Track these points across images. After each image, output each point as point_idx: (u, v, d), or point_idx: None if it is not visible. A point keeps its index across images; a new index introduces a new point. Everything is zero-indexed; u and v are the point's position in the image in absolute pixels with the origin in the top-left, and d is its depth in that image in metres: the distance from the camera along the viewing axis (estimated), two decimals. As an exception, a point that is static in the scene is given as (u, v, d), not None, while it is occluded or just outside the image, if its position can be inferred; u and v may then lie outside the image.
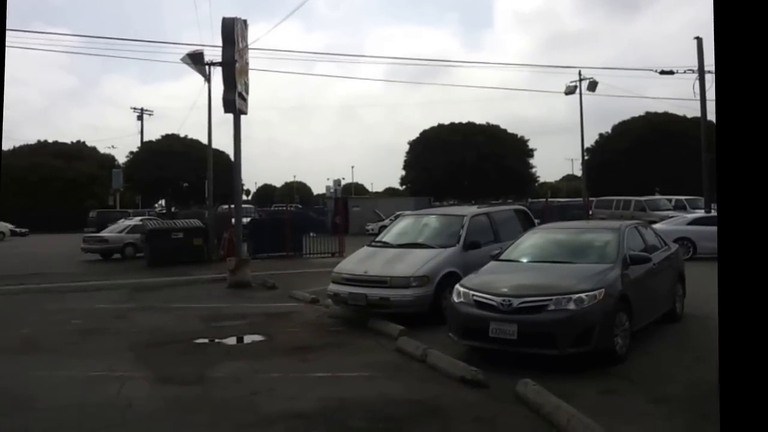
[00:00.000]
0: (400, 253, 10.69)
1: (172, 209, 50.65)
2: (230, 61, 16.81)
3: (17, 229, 45.90)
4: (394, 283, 9.83)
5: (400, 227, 12.19)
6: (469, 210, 12.23)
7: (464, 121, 57.09)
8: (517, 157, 53.84)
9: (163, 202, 59.97)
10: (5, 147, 68.83)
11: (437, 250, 10.57)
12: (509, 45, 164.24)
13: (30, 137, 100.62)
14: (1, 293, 15.17)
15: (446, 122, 57.39)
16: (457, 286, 8.00)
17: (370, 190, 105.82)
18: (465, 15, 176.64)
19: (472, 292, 7.57)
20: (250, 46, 18.20)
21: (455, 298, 7.78)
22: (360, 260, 10.95)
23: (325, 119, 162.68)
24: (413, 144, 57.51)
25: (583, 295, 6.98)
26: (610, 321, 7.08)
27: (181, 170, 51.39)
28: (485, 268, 8.52)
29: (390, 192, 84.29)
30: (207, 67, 23.32)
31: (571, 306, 6.92)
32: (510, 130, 56.18)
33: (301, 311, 11.91)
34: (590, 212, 30.60)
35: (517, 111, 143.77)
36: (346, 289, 10.31)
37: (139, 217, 31.80)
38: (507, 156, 52.41)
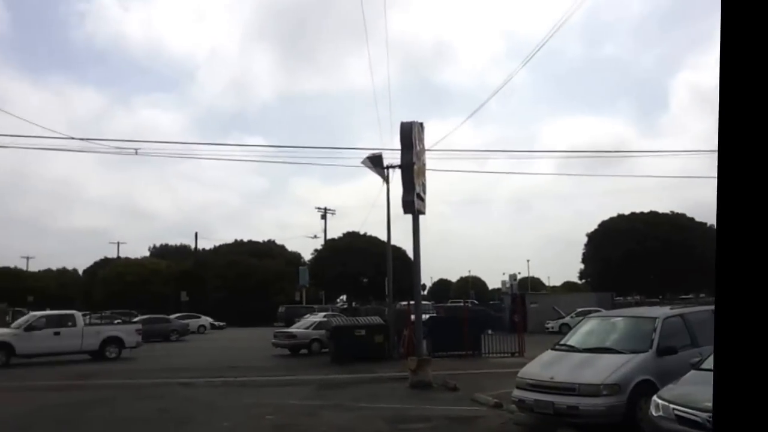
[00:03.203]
0: (588, 358, 10.28)
1: (353, 304, 52.48)
2: (409, 164, 17.52)
3: (216, 323, 50.13)
4: (583, 391, 9.41)
5: (586, 329, 11.77)
6: (661, 311, 11.56)
7: (646, 210, 54.66)
8: (707, 248, 50.24)
9: (344, 297, 62.43)
10: (208, 246, 76.20)
11: (628, 355, 10.03)
12: (689, 127, 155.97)
13: (228, 237, 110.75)
14: (205, 385, 16.61)
15: (626, 212, 55.27)
16: (655, 397, 7.56)
17: (546, 284, 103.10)
18: (639, 100, 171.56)
19: (672, 406, 7.11)
20: (427, 149, 18.97)
21: (653, 412, 7.34)
22: (545, 365, 10.67)
23: (497, 212, 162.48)
24: (591, 236, 55.78)
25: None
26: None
27: (361, 266, 53.45)
28: (685, 378, 7.96)
29: (568, 286, 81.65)
30: (386, 169, 24.37)
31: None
32: (697, 219, 52.89)
33: (484, 416, 11.71)
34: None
35: (703, 197, 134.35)
36: (531, 395, 10.04)
37: (323, 313, 33.32)
38: (696, 246, 49.11)
